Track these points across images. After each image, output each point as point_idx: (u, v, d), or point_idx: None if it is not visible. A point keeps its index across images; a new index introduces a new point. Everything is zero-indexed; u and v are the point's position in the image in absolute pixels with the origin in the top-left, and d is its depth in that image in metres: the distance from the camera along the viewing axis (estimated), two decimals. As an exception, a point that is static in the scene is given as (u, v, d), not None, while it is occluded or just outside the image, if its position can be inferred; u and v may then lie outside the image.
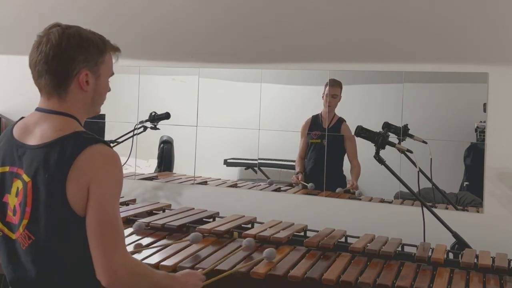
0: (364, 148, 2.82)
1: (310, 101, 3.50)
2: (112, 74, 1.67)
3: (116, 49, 1.66)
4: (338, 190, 3.38)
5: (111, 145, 3.60)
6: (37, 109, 1.60)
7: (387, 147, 2.70)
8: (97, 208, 1.46)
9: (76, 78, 1.55)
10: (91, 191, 1.46)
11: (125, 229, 2.45)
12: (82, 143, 1.48)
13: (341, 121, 3.40)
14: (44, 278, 1.52)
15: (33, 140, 1.53)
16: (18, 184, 1.52)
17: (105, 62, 1.62)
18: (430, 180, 3.01)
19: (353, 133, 2.74)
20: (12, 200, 1.53)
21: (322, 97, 3.42)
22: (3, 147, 1.59)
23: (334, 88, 3.39)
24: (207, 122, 3.66)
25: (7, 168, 1.55)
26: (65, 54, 1.53)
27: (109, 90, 1.69)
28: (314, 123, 3.48)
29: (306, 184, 3.47)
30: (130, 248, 2.41)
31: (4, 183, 1.55)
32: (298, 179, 3.51)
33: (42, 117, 1.57)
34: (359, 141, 2.77)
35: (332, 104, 3.41)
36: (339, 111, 3.41)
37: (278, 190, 3.51)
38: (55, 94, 1.56)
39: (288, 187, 3.53)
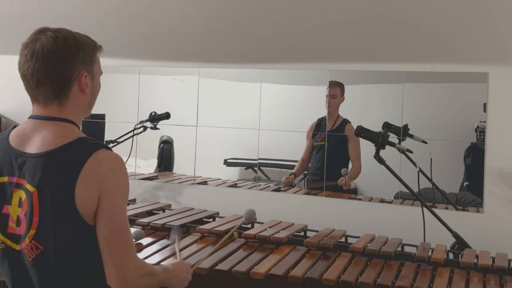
0: (364, 148, 2.83)
1: (310, 101, 3.50)
2: (101, 72, 1.62)
3: (100, 47, 1.61)
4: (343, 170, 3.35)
5: (110, 145, 3.64)
6: (32, 117, 1.53)
7: (387, 147, 2.70)
8: (109, 217, 1.44)
9: (77, 81, 1.51)
10: (102, 199, 1.43)
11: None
12: (88, 149, 1.45)
13: (345, 122, 3.39)
14: None
15: (34, 148, 1.47)
16: (20, 194, 1.46)
17: (97, 61, 1.58)
18: (430, 180, 3.00)
19: (353, 133, 2.74)
20: (15, 210, 1.47)
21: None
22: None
23: (333, 88, 3.39)
24: (207, 122, 3.66)
25: (5, 179, 1.49)
26: (65, 58, 1.48)
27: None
28: (319, 125, 3.47)
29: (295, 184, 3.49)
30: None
31: (3, 194, 1.49)
32: (288, 179, 3.51)
33: (40, 124, 1.51)
34: (360, 141, 2.76)
35: (331, 105, 3.41)
36: (339, 110, 3.41)
37: (278, 190, 3.51)
38: (55, 100, 1.50)
39: (288, 187, 3.52)
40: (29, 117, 1.55)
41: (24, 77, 1.51)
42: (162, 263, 2.22)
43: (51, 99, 1.50)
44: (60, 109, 1.51)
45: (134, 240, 2.45)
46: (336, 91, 3.40)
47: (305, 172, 3.56)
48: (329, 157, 3.43)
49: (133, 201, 3.45)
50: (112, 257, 1.45)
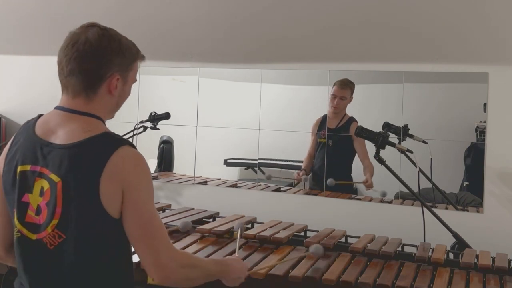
0: (364, 148, 2.83)
1: (311, 101, 3.50)
2: (135, 81, 1.66)
3: (143, 58, 1.67)
4: (329, 181, 3.35)
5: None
6: (59, 108, 1.56)
7: (387, 147, 2.70)
8: (136, 211, 1.47)
9: (108, 81, 1.53)
10: (126, 194, 1.46)
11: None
12: (114, 144, 1.48)
13: (351, 121, 3.37)
14: (71, 279, 1.49)
15: (60, 139, 1.49)
16: (42, 184, 1.48)
17: (134, 69, 1.62)
18: (430, 180, 3.01)
19: (353, 133, 2.74)
20: (36, 199, 1.49)
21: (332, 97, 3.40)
22: (23, 144, 1.53)
23: (343, 90, 3.35)
24: (207, 122, 3.66)
25: (28, 167, 1.50)
26: (103, 56, 1.51)
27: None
28: (323, 122, 3.46)
29: (307, 178, 3.46)
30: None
31: (24, 182, 1.50)
32: (299, 175, 3.50)
33: (66, 116, 1.53)
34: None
35: (339, 106, 3.37)
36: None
37: (278, 190, 3.51)
38: (83, 93, 1.53)
39: (288, 187, 3.53)
40: (56, 107, 1.58)
41: (59, 63, 1.55)
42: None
43: (80, 91, 1.53)
44: (86, 103, 1.54)
45: (182, 230, 2.45)
46: (346, 93, 3.36)
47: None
48: (332, 155, 3.42)
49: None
50: (145, 250, 1.48)
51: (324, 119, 3.44)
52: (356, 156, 3.37)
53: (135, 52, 1.61)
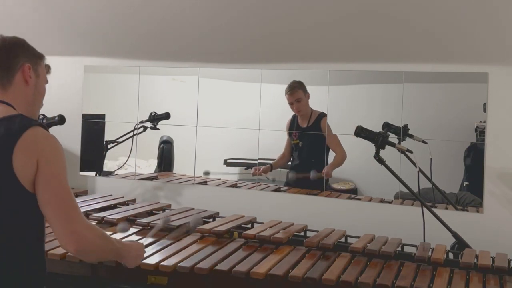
0: (364, 148, 2.82)
1: (311, 101, 3.50)
2: (47, 82, 1.84)
3: (47, 66, 1.89)
4: (312, 174, 3.38)
5: (110, 145, 3.63)
6: None
7: (387, 147, 2.70)
8: (51, 182, 1.58)
9: (20, 71, 1.72)
10: (41, 167, 1.57)
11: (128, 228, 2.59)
12: (27, 123, 1.61)
13: (321, 117, 3.40)
14: None
15: None
16: None
17: (42, 67, 1.81)
18: (430, 180, 3.01)
19: (353, 133, 2.74)
20: None
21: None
22: None
23: (294, 93, 3.43)
24: (207, 122, 3.66)
25: None
26: (10, 50, 1.71)
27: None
28: (292, 123, 3.50)
29: (268, 178, 3.50)
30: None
31: None
32: (257, 171, 3.52)
33: None
34: (359, 140, 2.75)
35: (300, 108, 3.44)
36: (339, 110, 3.40)
37: (278, 190, 3.51)
38: None
39: (288, 187, 3.53)
40: None
41: None
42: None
43: None
44: (2, 93, 1.70)
45: (121, 232, 2.52)
46: (299, 94, 3.43)
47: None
48: (306, 154, 3.47)
49: (133, 201, 3.45)
50: (61, 218, 1.58)
51: (292, 120, 3.50)
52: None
53: (37, 52, 1.80)
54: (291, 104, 3.45)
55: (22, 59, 1.73)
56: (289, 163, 3.58)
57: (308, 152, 3.48)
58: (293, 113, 3.50)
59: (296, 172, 3.50)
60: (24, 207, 1.59)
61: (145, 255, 1.97)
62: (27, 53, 1.76)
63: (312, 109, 3.44)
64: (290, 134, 3.51)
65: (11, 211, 1.59)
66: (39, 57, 1.80)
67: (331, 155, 3.38)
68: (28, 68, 1.73)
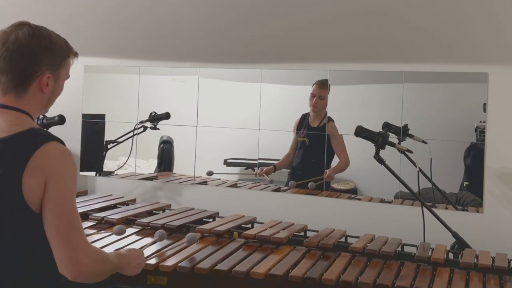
0: (364, 148, 2.82)
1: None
2: (68, 77, 1.68)
3: (76, 54, 1.68)
4: (310, 184, 3.39)
5: (110, 145, 3.63)
6: None
7: (387, 147, 2.70)
8: (57, 203, 1.48)
9: (38, 79, 1.56)
10: (49, 187, 1.47)
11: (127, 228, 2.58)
12: (39, 140, 1.50)
13: (328, 120, 3.40)
14: None
15: None
16: None
17: (66, 66, 1.64)
18: (430, 180, 3.01)
19: (353, 133, 2.74)
20: None
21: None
22: None
23: (322, 89, 3.39)
24: (207, 122, 3.65)
25: None
26: (33, 55, 1.54)
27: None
28: (302, 121, 3.49)
29: (267, 178, 3.50)
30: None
31: None
32: (261, 171, 3.52)
33: None
34: (359, 140, 2.76)
35: (319, 105, 3.41)
36: (339, 110, 3.41)
37: (278, 190, 3.51)
38: (13, 91, 1.55)
39: (287, 187, 3.52)
40: None
41: None
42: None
43: (10, 89, 1.55)
44: (16, 100, 1.56)
45: (116, 235, 2.50)
46: (324, 92, 3.40)
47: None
48: (309, 153, 3.47)
49: (133, 201, 3.45)
50: (61, 242, 1.48)
51: (302, 119, 3.48)
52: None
53: (66, 49, 1.63)
54: (312, 96, 3.40)
55: (43, 67, 1.56)
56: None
57: (312, 151, 3.47)
58: (301, 113, 3.49)
59: (296, 181, 3.48)
60: (35, 231, 1.49)
61: (143, 261, 1.88)
62: (51, 59, 1.57)
63: (326, 112, 3.43)
64: (297, 131, 3.50)
65: (22, 238, 1.50)
66: (65, 56, 1.62)
67: (334, 160, 3.39)
68: (47, 78, 1.57)
